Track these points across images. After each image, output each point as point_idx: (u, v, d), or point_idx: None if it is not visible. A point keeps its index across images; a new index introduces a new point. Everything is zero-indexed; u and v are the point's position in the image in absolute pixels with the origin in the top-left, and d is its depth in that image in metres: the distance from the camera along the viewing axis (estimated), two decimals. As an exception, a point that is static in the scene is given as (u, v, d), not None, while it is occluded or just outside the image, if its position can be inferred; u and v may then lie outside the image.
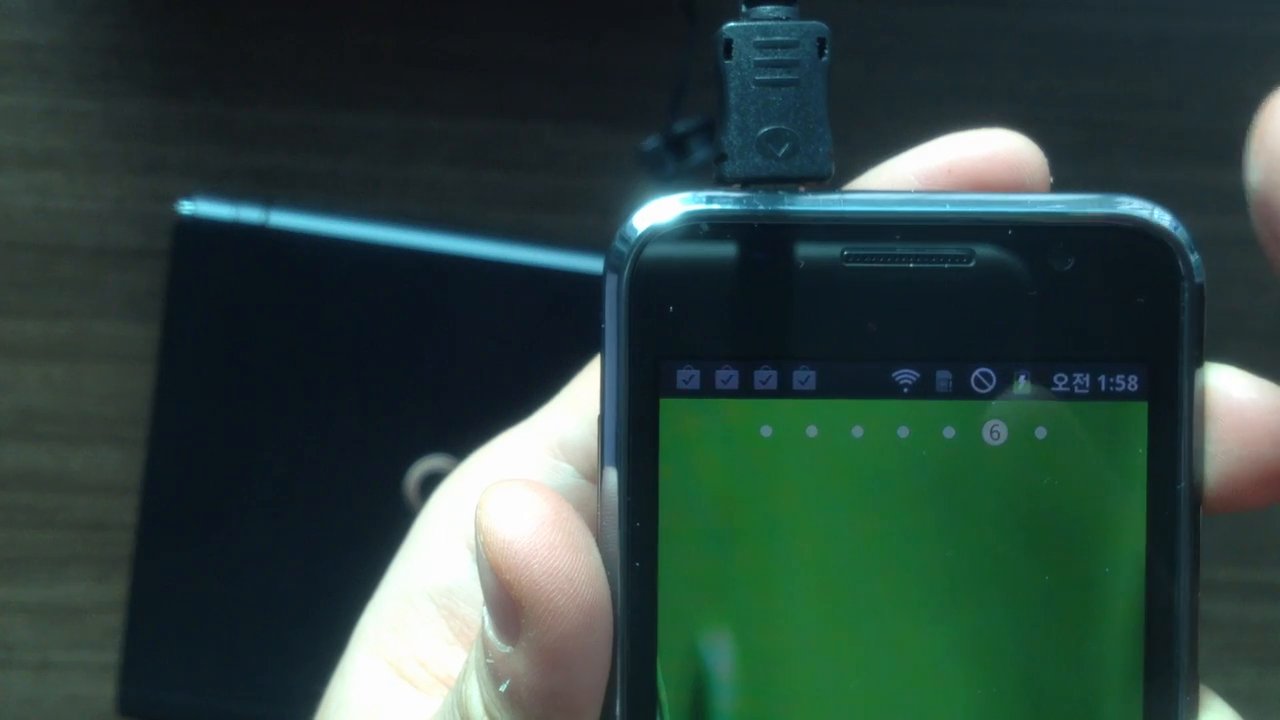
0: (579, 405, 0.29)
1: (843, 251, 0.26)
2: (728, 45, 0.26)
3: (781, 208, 0.26)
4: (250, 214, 0.48)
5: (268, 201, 0.48)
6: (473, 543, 0.30)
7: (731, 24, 0.26)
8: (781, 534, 0.26)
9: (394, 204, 0.51)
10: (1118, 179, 0.52)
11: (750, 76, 0.26)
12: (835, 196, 0.26)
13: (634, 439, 0.26)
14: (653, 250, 0.26)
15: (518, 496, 0.25)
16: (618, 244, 0.26)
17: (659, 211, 0.26)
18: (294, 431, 0.48)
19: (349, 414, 0.48)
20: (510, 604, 0.25)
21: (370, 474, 0.48)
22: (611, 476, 0.26)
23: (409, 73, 0.51)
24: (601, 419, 0.26)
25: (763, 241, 0.26)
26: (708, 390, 0.26)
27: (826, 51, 0.26)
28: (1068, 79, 0.52)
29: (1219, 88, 0.52)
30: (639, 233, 0.26)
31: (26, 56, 0.51)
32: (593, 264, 0.47)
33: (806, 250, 0.26)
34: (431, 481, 0.46)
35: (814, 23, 0.26)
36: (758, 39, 0.26)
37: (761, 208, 0.26)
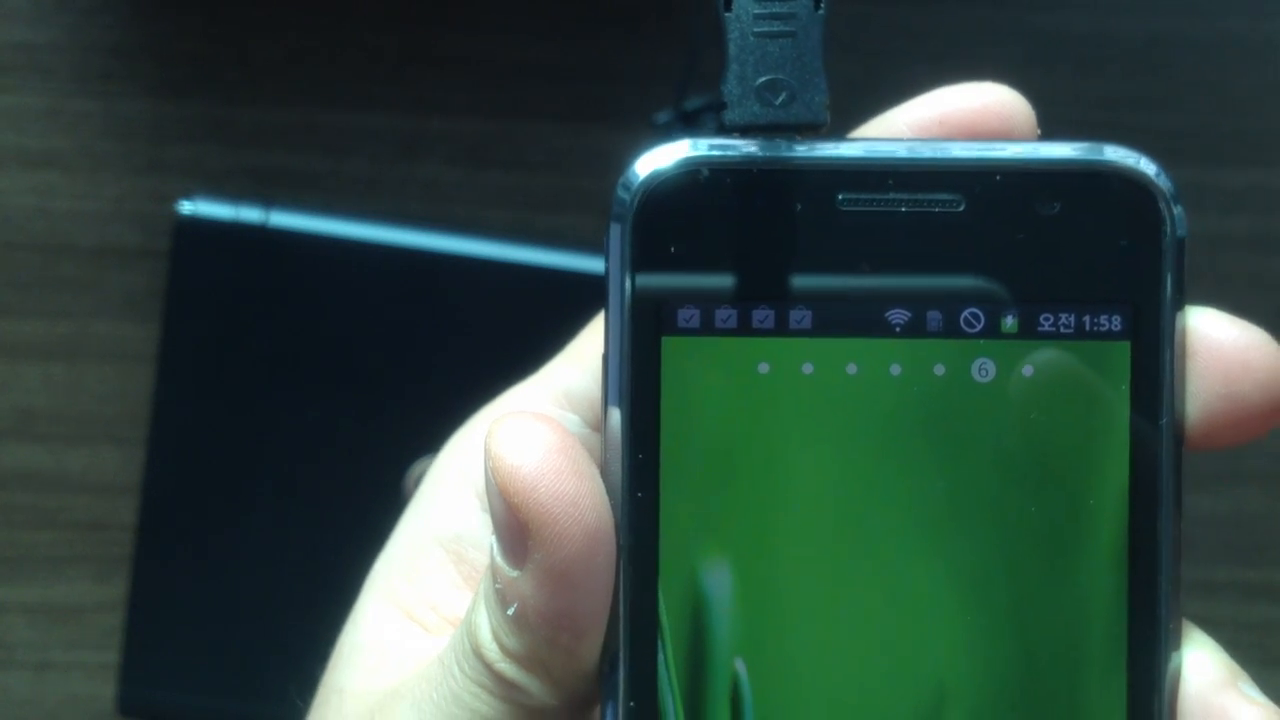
0: (583, 358, 0.30)
1: (838, 196, 0.27)
2: None
3: (779, 154, 0.27)
4: (250, 214, 0.48)
5: (268, 201, 0.48)
6: (481, 492, 0.30)
7: None
8: (778, 466, 0.27)
9: (394, 204, 0.51)
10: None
11: (749, 28, 0.27)
12: (831, 143, 0.27)
13: (636, 376, 0.27)
14: (654, 194, 0.27)
15: (526, 426, 0.26)
16: (620, 189, 0.27)
17: (660, 158, 0.27)
18: (293, 431, 0.48)
19: (348, 414, 0.48)
20: (518, 527, 0.26)
21: (370, 474, 0.48)
22: (615, 412, 0.27)
23: (409, 73, 0.51)
24: (606, 357, 0.27)
25: (761, 186, 0.27)
26: (708, 329, 0.27)
27: (822, 4, 0.27)
28: (1068, 79, 0.52)
29: (1219, 88, 0.52)
30: (641, 178, 0.27)
31: (26, 56, 0.51)
32: (593, 264, 0.47)
33: (803, 194, 0.27)
34: (431, 481, 0.46)
35: None
36: None
37: (760, 153, 0.27)
